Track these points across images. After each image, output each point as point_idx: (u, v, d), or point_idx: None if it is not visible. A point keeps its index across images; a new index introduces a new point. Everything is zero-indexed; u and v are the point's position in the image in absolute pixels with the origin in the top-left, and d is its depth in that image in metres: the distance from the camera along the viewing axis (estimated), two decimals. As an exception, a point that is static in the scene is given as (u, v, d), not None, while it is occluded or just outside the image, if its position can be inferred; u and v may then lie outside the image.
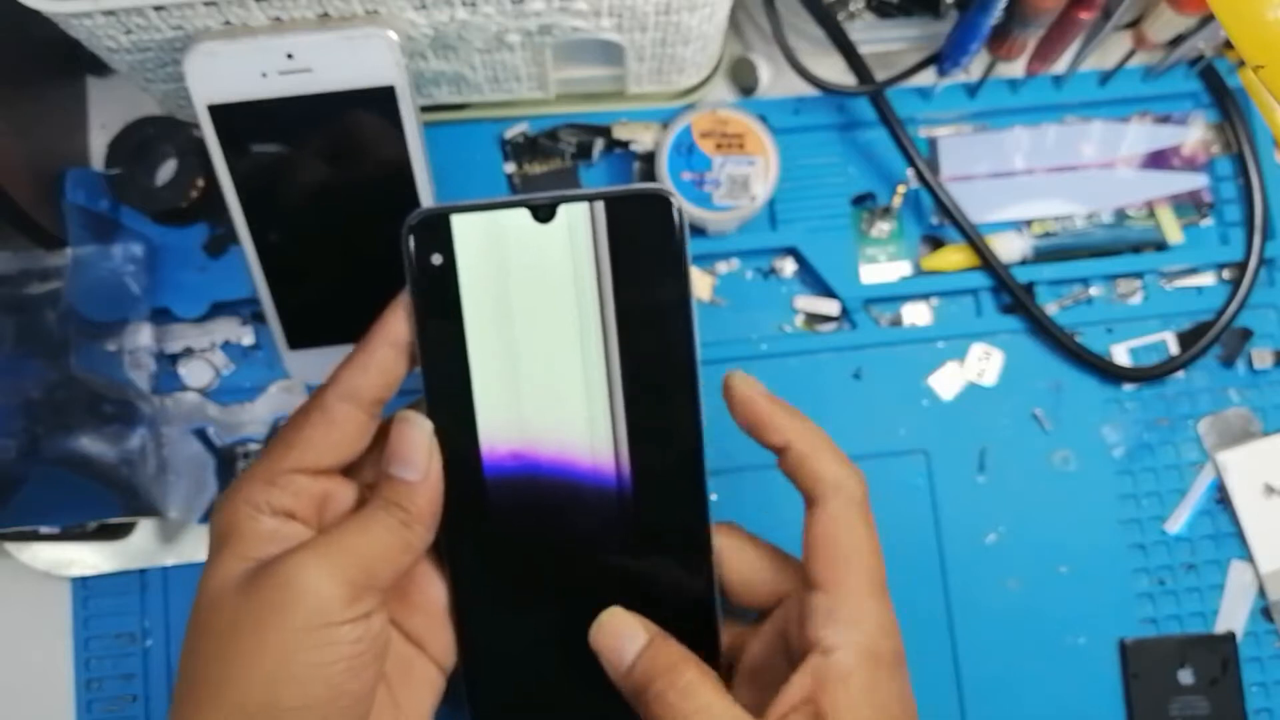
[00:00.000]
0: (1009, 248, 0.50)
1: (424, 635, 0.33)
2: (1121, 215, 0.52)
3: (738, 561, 0.34)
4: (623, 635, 0.32)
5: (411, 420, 0.32)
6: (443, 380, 0.32)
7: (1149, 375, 0.50)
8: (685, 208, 0.32)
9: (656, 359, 0.32)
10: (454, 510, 0.32)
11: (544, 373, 0.32)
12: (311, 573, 0.29)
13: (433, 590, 0.34)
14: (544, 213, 0.32)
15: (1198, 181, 0.52)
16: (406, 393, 0.33)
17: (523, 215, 0.32)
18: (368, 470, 0.33)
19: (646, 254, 0.32)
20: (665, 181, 0.48)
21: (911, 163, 0.49)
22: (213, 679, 0.29)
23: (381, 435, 0.33)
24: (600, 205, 0.31)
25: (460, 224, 0.31)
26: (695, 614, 0.33)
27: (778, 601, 0.34)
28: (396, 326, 0.32)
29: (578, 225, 0.32)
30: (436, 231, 0.31)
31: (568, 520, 0.33)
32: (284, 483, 0.31)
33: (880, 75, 0.48)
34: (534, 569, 0.33)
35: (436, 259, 0.32)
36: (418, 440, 0.32)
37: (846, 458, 0.33)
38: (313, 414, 0.31)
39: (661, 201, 0.32)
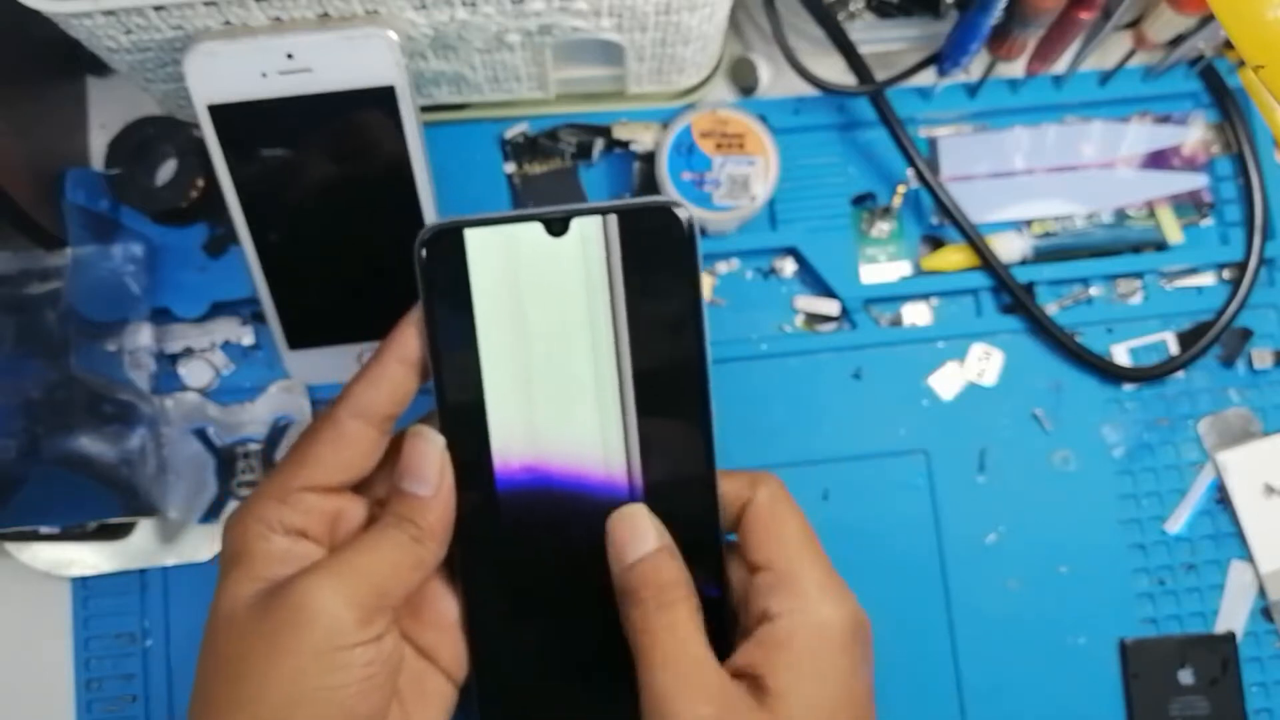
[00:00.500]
0: (1009, 248, 0.50)
1: (436, 649, 0.33)
2: (1121, 215, 0.52)
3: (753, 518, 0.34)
4: (636, 533, 0.32)
5: (424, 435, 0.32)
6: (456, 394, 0.32)
7: (1149, 375, 0.50)
8: (696, 220, 0.32)
9: (669, 371, 0.32)
10: (467, 524, 0.32)
11: (557, 386, 0.32)
12: (324, 595, 0.29)
13: (444, 604, 0.34)
14: (557, 226, 0.32)
15: (1198, 181, 0.52)
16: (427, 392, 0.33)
17: (536, 229, 0.32)
18: (379, 487, 0.33)
19: (659, 266, 0.32)
20: (665, 181, 0.48)
21: (911, 163, 0.49)
22: (226, 702, 0.29)
23: (393, 452, 0.33)
24: (613, 218, 0.32)
25: (473, 238, 0.31)
26: (707, 620, 0.33)
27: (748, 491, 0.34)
28: (408, 342, 0.32)
29: (591, 239, 0.32)
30: (449, 246, 0.31)
31: (581, 533, 0.33)
32: (295, 501, 0.31)
33: (880, 75, 0.48)
34: (547, 582, 0.33)
35: (450, 273, 0.32)
36: (430, 455, 0.32)
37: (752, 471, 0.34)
38: (324, 431, 0.31)
39: (673, 214, 0.32)
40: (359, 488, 0.33)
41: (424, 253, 0.31)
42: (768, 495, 0.33)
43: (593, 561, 0.33)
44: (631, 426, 0.32)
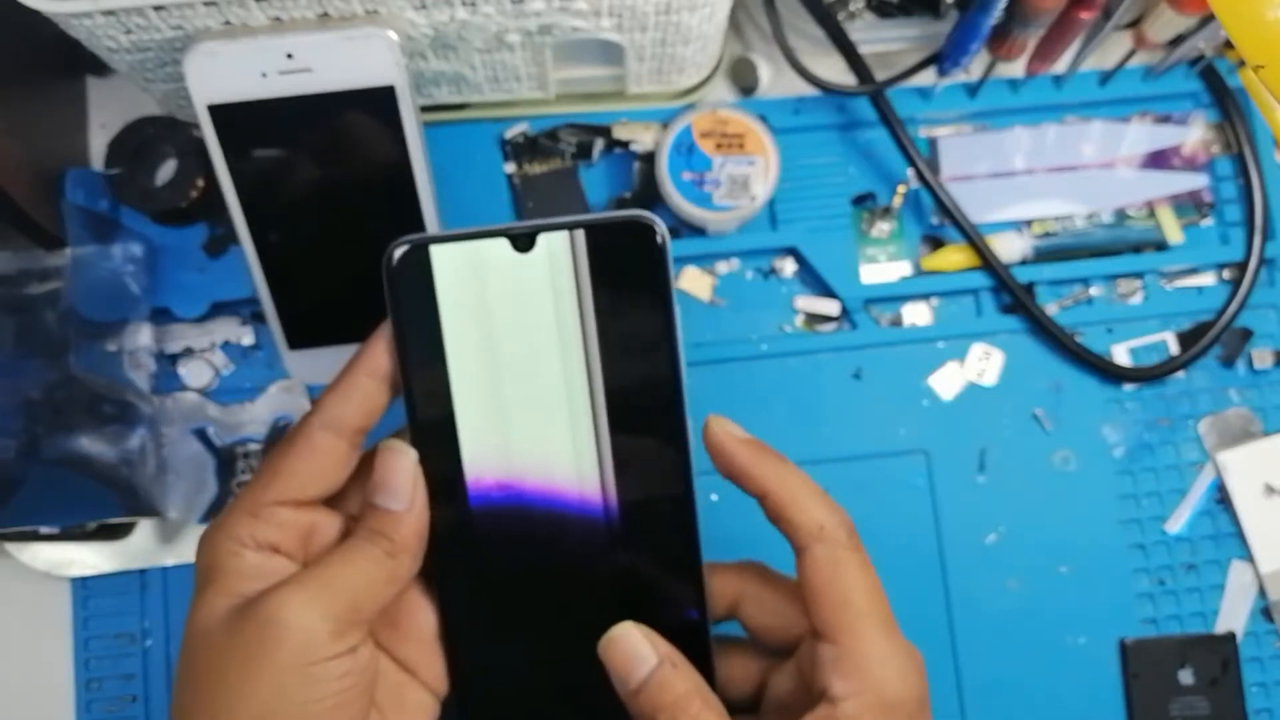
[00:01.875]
0: (1009, 248, 0.50)
1: (416, 662, 0.33)
2: (1121, 215, 0.52)
3: (755, 607, 0.34)
4: (633, 655, 0.31)
5: (396, 449, 0.32)
6: (426, 410, 0.32)
7: (1149, 375, 0.50)
8: (667, 235, 0.31)
9: (641, 387, 0.32)
10: (441, 539, 0.32)
11: (528, 402, 0.32)
12: (296, 609, 0.29)
13: (422, 617, 0.33)
14: (523, 242, 0.31)
15: (1198, 181, 0.52)
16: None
17: (502, 245, 0.31)
18: (352, 501, 0.33)
19: (629, 282, 0.31)
20: (665, 181, 0.48)
21: (911, 163, 0.49)
22: (203, 719, 0.29)
23: (366, 466, 0.32)
24: (580, 234, 0.31)
25: (439, 255, 0.31)
26: (687, 641, 0.32)
27: (800, 640, 0.33)
28: (377, 357, 0.32)
29: (558, 254, 0.31)
30: (416, 263, 0.31)
31: (556, 549, 0.32)
32: (267, 515, 0.30)
33: (880, 75, 0.48)
34: (523, 597, 0.33)
35: (416, 290, 0.31)
36: (402, 469, 0.31)
37: (828, 499, 0.32)
38: (296, 444, 0.31)
39: (644, 228, 0.31)
40: (332, 502, 0.33)
41: (390, 269, 0.31)
42: (827, 553, 0.31)
43: (569, 577, 0.33)
44: (605, 444, 0.32)
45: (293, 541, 0.31)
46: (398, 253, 0.31)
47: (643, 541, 0.32)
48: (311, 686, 0.28)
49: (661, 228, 0.31)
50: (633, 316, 0.31)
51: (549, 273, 0.31)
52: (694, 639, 0.32)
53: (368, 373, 0.32)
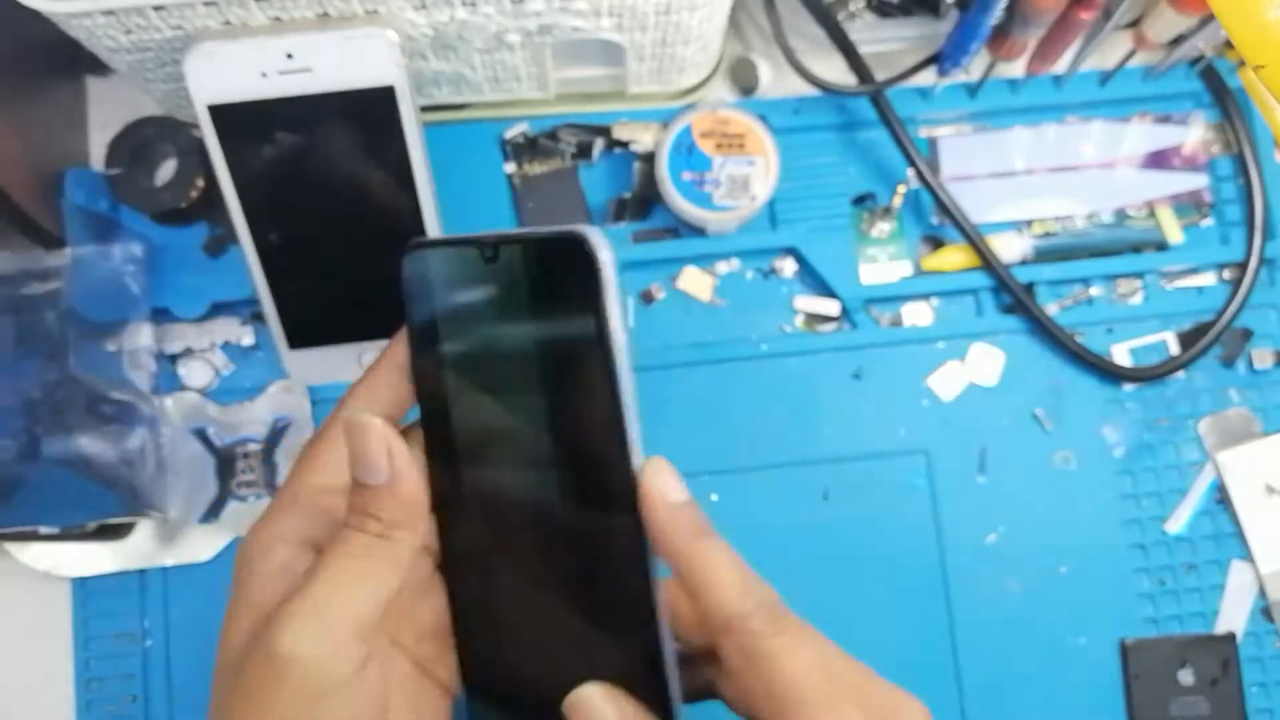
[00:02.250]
0: (1009, 248, 0.50)
1: (428, 661, 0.33)
2: (1122, 215, 0.52)
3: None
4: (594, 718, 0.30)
5: (358, 422, 0.30)
6: (430, 406, 0.33)
7: (1149, 375, 0.50)
8: (606, 255, 0.30)
9: (583, 411, 0.31)
10: (449, 536, 0.32)
11: (502, 412, 0.32)
12: (293, 641, 0.28)
13: (433, 616, 0.33)
14: (489, 251, 0.32)
15: (1198, 181, 0.52)
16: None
17: (477, 253, 0.32)
18: None
19: (566, 295, 0.31)
20: (665, 181, 0.48)
21: (912, 163, 0.49)
22: None
23: None
24: (532, 246, 0.31)
25: (436, 258, 0.32)
26: (640, 657, 0.32)
27: (714, 637, 0.30)
28: (399, 351, 0.32)
29: (515, 265, 0.32)
30: (419, 263, 0.32)
31: (532, 560, 0.33)
32: (301, 507, 0.31)
33: (880, 75, 0.48)
34: (517, 595, 0.33)
35: (419, 290, 0.32)
36: (370, 439, 0.30)
37: (745, 580, 0.29)
38: (326, 430, 0.32)
39: (577, 243, 0.30)
40: None
41: (400, 269, 0.32)
42: (737, 645, 0.28)
43: (551, 585, 0.33)
44: (561, 468, 0.32)
45: (329, 533, 0.30)
46: (407, 254, 0.32)
47: (592, 553, 0.32)
48: (322, 714, 0.28)
49: (595, 242, 0.30)
50: (571, 338, 0.31)
51: (509, 283, 0.32)
52: (647, 659, 0.32)
53: (392, 366, 0.32)
